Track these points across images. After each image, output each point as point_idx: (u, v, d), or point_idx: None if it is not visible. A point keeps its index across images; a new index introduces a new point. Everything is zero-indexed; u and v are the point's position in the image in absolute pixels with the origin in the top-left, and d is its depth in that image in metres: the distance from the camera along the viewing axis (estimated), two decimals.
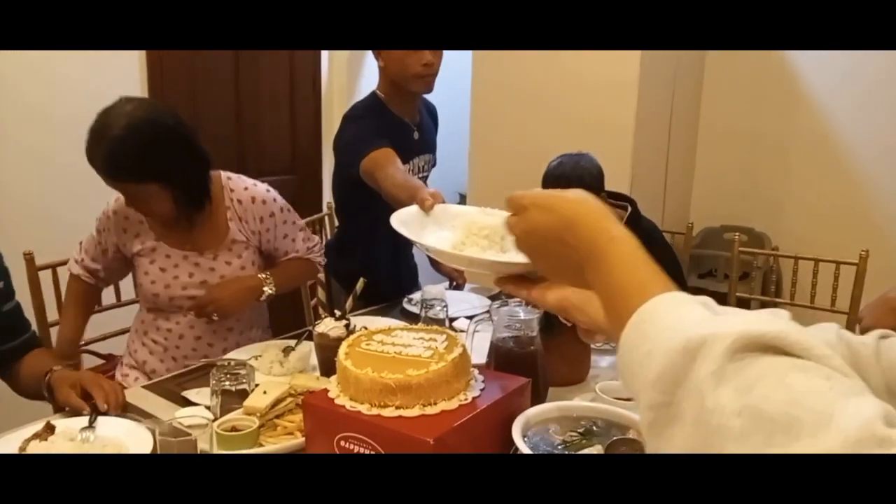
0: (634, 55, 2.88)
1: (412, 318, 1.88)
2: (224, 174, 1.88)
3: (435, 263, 2.55)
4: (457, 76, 2.92)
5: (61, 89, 2.63)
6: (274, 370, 1.60)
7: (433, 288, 1.89)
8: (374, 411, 1.08)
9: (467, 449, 1.09)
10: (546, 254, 0.76)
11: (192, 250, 1.83)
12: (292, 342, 1.70)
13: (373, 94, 2.19)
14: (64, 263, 2.08)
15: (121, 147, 1.59)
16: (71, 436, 1.32)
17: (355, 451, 1.09)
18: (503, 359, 1.39)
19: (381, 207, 2.15)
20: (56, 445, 1.29)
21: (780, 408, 0.46)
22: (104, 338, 2.28)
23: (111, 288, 2.30)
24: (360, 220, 2.25)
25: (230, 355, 1.72)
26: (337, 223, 2.59)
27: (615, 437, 1.14)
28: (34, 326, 1.89)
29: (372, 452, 1.07)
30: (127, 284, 2.31)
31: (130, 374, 1.91)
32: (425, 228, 1.07)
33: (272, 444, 1.27)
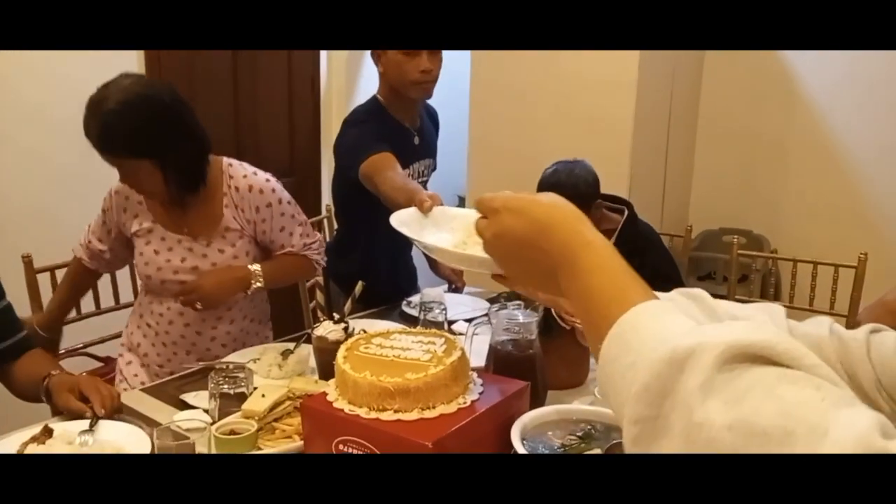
0: (633, 55, 2.88)
1: (411, 321, 1.88)
2: (226, 160, 1.87)
3: (434, 266, 2.55)
4: (455, 78, 2.92)
5: (61, 89, 2.63)
6: (272, 373, 1.60)
7: (432, 291, 1.89)
8: (373, 415, 1.08)
9: (466, 452, 1.08)
10: (517, 258, 0.73)
11: (187, 235, 1.82)
12: (291, 345, 1.70)
13: (373, 98, 2.19)
14: (63, 266, 2.09)
15: (115, 121, 1.60)
16: (69, 439, 1.32)
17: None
18: (502, 362, 1.38)
19: (381, 211, 2.15)
20: (54, 449, 1.29)
21: (773, 420, 0.45)
22: (102, 340, 2.28)
23: (110, 290, 2.30)
24: (360, 224, 2.25)
25: (228, 358, 1.72)
26: (336, 225, 2.59)
27: (614, 441, 1.14)
28: None
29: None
30: (126, 286, 2.32)
31: (126, 355, 1.93)
32: (424, 229, 1.07)
33: (270, 448, 1.27)
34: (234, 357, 1.72)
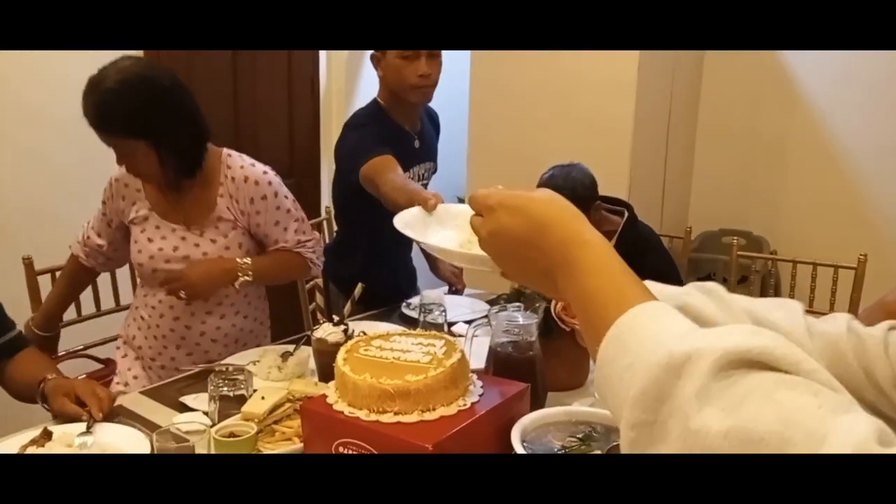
0: (633, 55, 2.88)
1: (411, 322, 1.88)
2: (225, 150, 1.86)
3: (434, 268, 2.55)
4: (455, 78, 2.93)
5: (61, 89, 2.62)
6: (272, 375, 1.60)
7: (432, 293, 1.89)
8: (373, 417, 1.08)
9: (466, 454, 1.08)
10: (513, 257, 0.72)
11: (181, 224, 1.81)
12: (290, 347, 1.69)
13: (374, 101, 2.20)
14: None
15: (112, 99, 1.60)
16: (68, 442, 1.32)
17: None
18: (502, 364, 1.38)
19: (381, 214, 2.15)
20: (53, 451, 1.29)
21: (770, 427, 0.45)
22: (103, 342, 2.28)
23: (111, 291, 2.30)
24: (360, 226, 2.25)
25: (228, 360, 1.72)
26: (336, 227, 2.59)
27: (615, 442, 1.14)
28: None
29: None
30: (126, 287, 2.32)
31: (122, 348, 1.94)
32: (429, 229, 1.06)
33: (270, 450, 1.27)
34: (233, 359, 1.72)
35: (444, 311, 1.73)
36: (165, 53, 3.07)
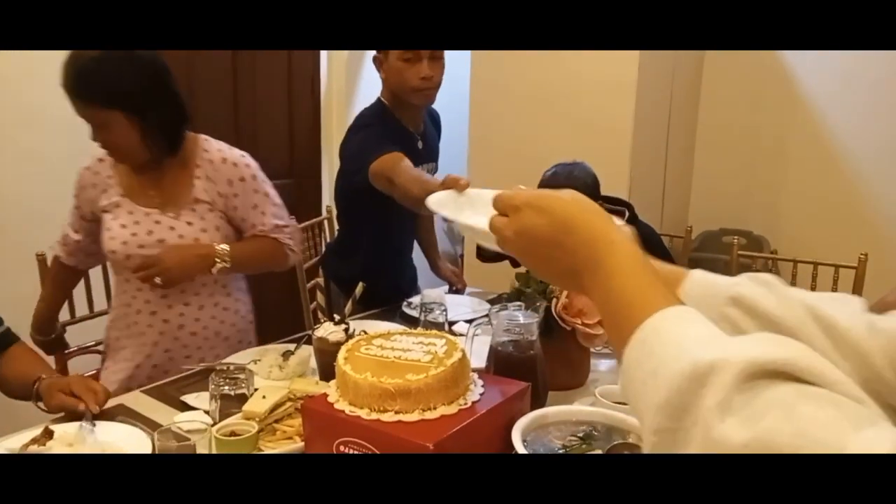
0: (633, 56, 2.88)
1: (411, 322, 1.88)
2: (202, 136, 1.84)
3: (434, 267, 2.56)
4: (455, 78, 2.93)
5: (61, 90, 2.63)
6: (273, 374, 1.60)
7: (432, 292, 1.89)
8: (374, 416, 1.08)
9: (467, 453, 1.08)
10: (538, 256, 0.73)
11: (155, 207, 1.77)
12: (291, 346, 1.69)
13: (378, 101, 2.20)
14: None
15: (92, 66, 1.60)
16: (69, 441, 1.32)
17: None
18: (503, 363, 1.38)
19: (384, 214, 2.16)
20: (54, 451, 1.29)
21: (789, 440, 0.45)
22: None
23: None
24: (363, 226, 2.25)
25: (228, 360, 1.72)
26: (337, 227, 2.59)
27: (615, 442, 1.14)
28: None
29: None
30: None
31: (106, 363, 1.90)
32: (462, 211, 1.01)
33: (271, 449, 1.27)
34: (234, 358, 1.72)
35: (445, 310, 1.73)
36: (165, 53, 3.07)
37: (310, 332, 1.71)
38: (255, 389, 1.39)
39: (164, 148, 1.73)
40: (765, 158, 3.56)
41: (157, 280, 1.71)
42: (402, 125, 2.17)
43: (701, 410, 0.49)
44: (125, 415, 1.47)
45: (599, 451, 1.13)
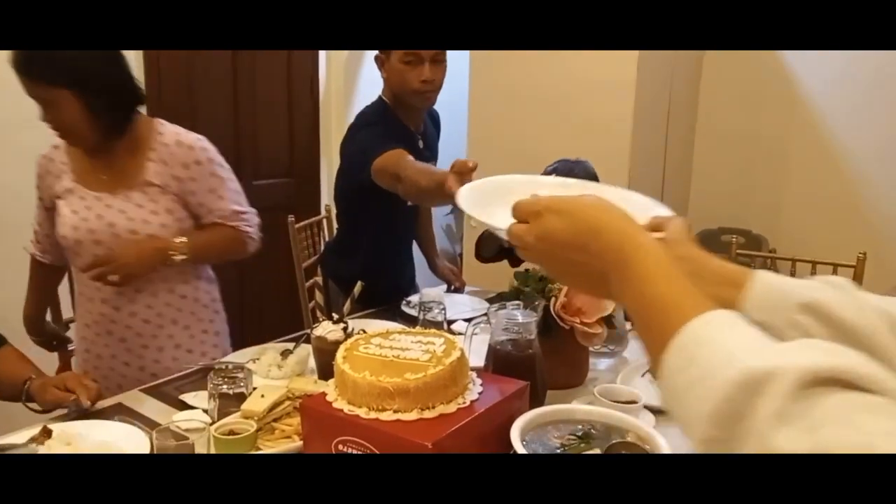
0: (632, 55, 2.88)
1: (410, 320, 1.88)
2: (158, 119, 1.80)
3: (433, 266, 2.56)
4: (454, 78, 2.93)
5: None
6: (272, 373, 1.60)
7: (431, 291, 1.89)
8: (372, 415, 1.08)
9: (465, 452, 1.08)
10: (562, 261, 0.71)
11: (106, 191, 1.73)
12: (290, 345, 1.70)
13: (380, 99, 2.20)
14: None
15: None
16: (67, 440, 1.32)
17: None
18: (501, 362, 1.38)
19: (384, 213, 2.17)
20: (53, 450, 1.29)
21: (849, 450, 0.44)
22: None
23: None
24: (363, 226, 2.25)
25: (228, 358, 1.72)
26: (336, 226, 2.59)
27: (614, 441, 1.14)
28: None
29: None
30: None
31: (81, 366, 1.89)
32: (491, 207, 0.93)
33: (270, 448, 1.27)
34: (232, 357, 1.72)
35: (444, 309, 1.73)
36: (165, 53, 3.08)
37: (308, 331, 1.71)
38: (254, 388, 1.39)
39: (112, 128, 1.69)
40: (764, 158, 3.56)
41: (113, 278, 1.68)
42: (404, 124, 2.17)
43: (755, 420, 0.48)
44: (123, 414, 1.47)
45: (598, 450, 1.13)
